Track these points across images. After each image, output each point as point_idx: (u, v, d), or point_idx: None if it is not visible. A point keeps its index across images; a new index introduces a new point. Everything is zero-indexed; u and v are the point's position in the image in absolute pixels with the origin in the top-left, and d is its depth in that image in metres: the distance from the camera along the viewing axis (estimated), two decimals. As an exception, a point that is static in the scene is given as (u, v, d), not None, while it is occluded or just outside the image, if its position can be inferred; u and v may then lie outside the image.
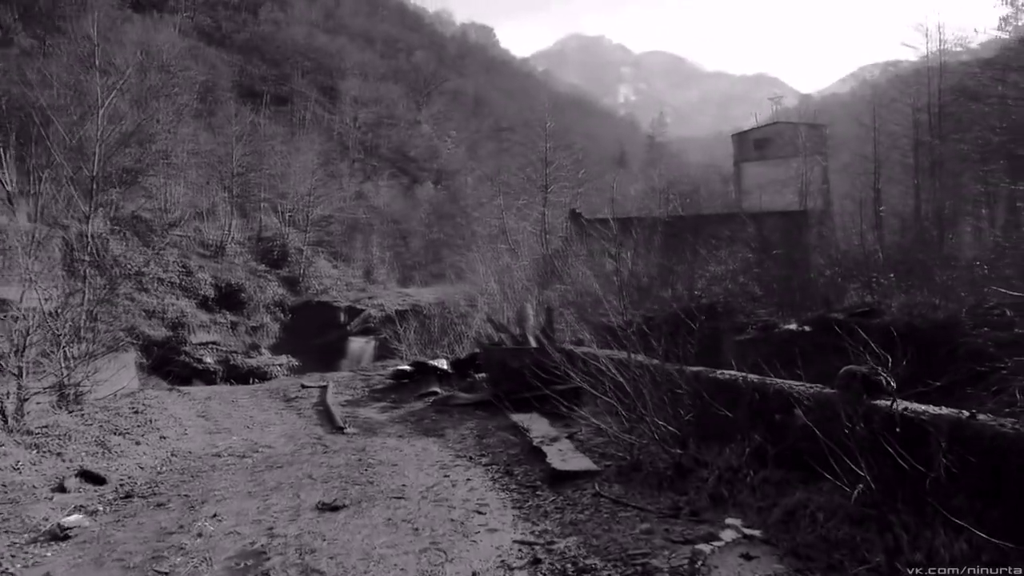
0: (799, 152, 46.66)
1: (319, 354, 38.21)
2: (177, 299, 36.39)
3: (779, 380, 6.78)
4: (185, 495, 7.64)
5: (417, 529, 6.32)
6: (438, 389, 14.35)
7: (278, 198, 49.92)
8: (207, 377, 31.59)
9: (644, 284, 21.88)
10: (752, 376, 7.12)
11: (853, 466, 5.20)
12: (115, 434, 9.46)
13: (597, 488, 7.30)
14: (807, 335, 11.88)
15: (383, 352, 33.13)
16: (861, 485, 5.05)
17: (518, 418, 10.84)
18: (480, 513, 6.82)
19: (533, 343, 13.39)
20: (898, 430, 5.05)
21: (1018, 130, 24.33)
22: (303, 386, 15.78)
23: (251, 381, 31.36)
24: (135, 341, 31.03)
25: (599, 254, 24.08)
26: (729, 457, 6.78)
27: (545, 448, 8.72)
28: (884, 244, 24.64)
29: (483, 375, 14.78)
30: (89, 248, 17.57)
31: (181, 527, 6.52)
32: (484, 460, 9.09)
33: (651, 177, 60.27)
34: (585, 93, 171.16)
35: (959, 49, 35.24)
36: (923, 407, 5.24)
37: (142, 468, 8.76)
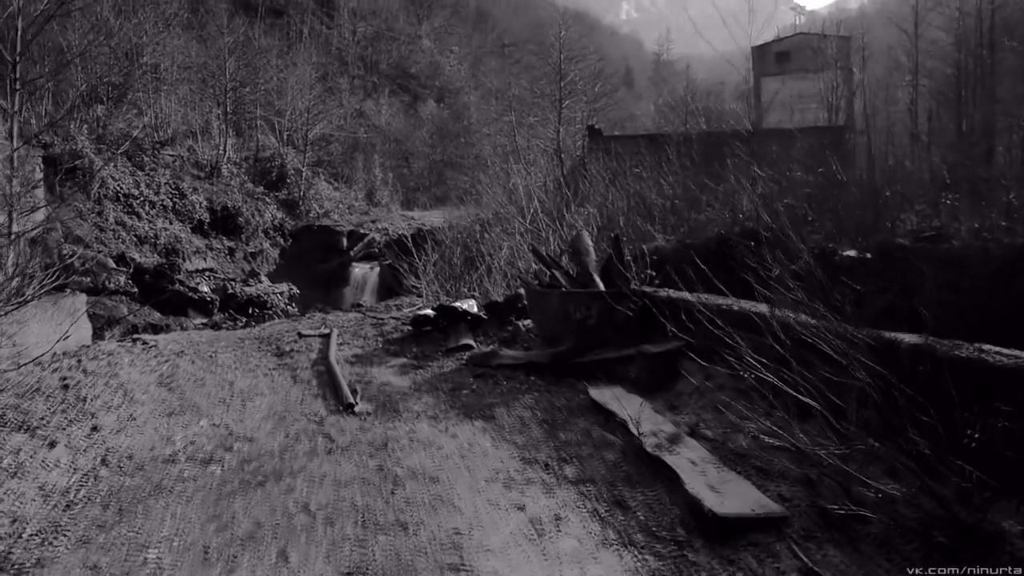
0: (825, 65, 43.51)
1: (321, 281, 36.49)
2: (170, 223, 33.99)
3: None
4: (92, 565, 4.41)
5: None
6: (471, 342, 11.18)
7: (275, 116, 47.21)
8: (203, 307, 29.51)
9: (679, 206, 19.63)
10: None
11: None
12: (20, 430, 6.20)
13: (804, 558, 4.08)
14: (868, 263, 9.98)
15: (387, 281, 31.07)
16: None
17: (599, 395, 7.57)
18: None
19: (600, 284, 10.14)
20: None
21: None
22: (300, 335, 12.71)
23: (251, 311, 29.28)
24: (125, 269, 28.76)
25: (624, 173, 21.62)
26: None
27: (670, 460, 5.48)
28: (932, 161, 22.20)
29: (527, 323, 11.68)
30: (14, 157, 14.09)
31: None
32: (569, 473, 5.90)
33: (665, 93, 57.43)
34: (588, 7, 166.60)
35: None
36: None
37: (44, 495, 5.44)
